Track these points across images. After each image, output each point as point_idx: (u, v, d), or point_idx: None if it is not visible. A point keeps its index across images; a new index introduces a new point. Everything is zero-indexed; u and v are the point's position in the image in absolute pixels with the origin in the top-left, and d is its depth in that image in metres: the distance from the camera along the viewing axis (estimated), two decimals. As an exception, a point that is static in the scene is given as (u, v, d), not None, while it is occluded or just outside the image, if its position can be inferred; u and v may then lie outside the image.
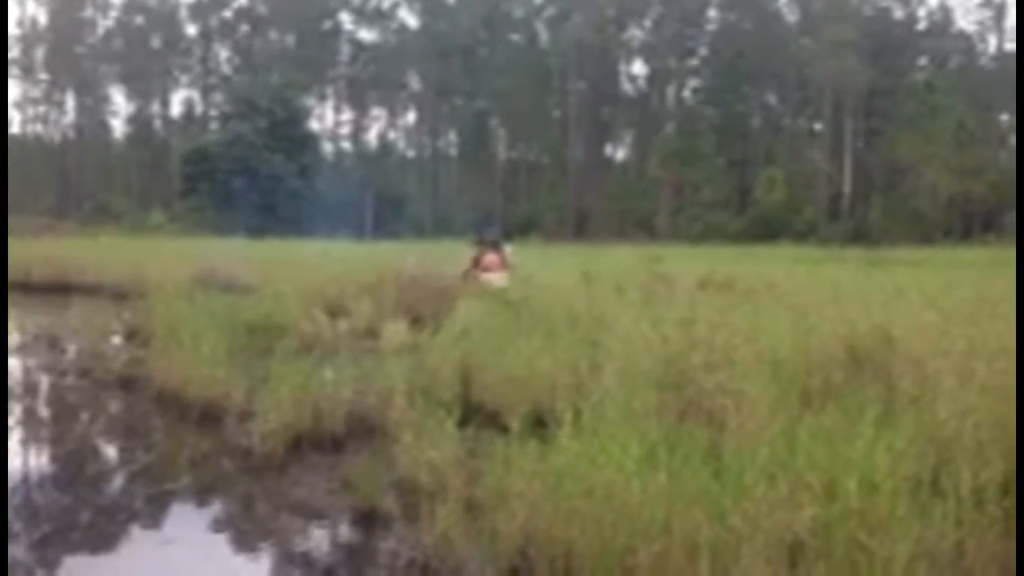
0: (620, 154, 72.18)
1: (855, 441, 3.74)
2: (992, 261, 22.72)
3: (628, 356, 6.72)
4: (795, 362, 6.38)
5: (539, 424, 5.03)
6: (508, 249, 15.16)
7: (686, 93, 68.63)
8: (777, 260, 23.44)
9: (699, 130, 59.23)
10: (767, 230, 48.29)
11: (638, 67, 70.44)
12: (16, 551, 4.70)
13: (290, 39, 69.04)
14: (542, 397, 6.30)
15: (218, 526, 5.21)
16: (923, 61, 63.21)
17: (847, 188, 57.18)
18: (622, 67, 69.63)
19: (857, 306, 8.50)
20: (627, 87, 70.48)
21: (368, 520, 4.98)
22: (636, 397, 5.28)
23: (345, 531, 5.01)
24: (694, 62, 68.30)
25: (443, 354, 7.72)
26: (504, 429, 4.91)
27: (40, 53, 65.30)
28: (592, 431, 4.27)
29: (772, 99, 67.12)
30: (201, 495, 5.74)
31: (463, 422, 5.62)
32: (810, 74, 58.60)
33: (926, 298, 8.73)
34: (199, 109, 66.87)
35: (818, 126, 63.56)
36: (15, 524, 5.09)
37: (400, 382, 6.62)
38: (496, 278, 13.77)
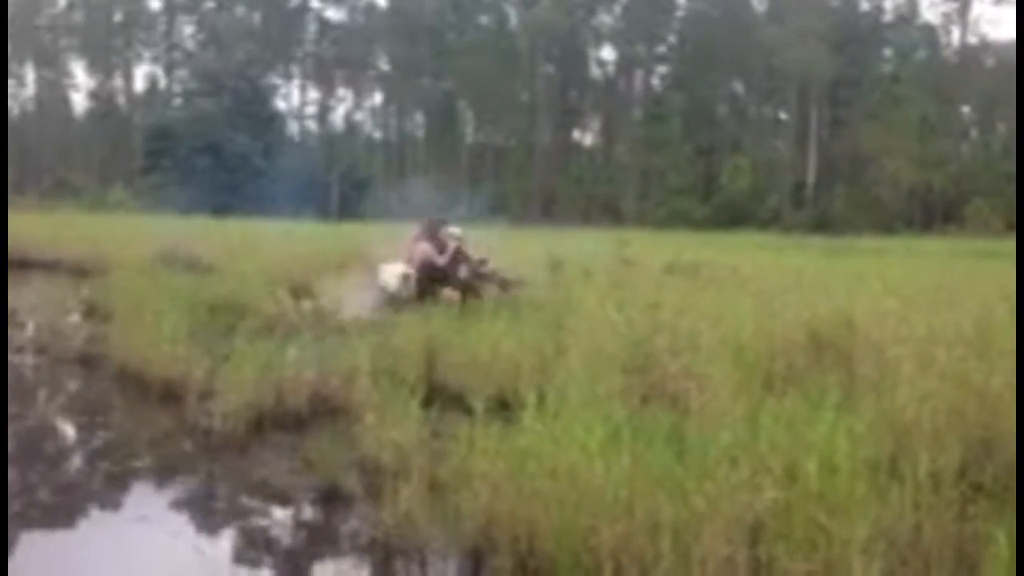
0: (587, 139, 72.26)
1: (816, 425, 3.79)
2: (952, 251, 23.10)
3: (593, 339, 6.75)
4: (758, 347, 6.44)
5: (503, 406, 5.04)
6: (453, 230, 11.28)
7: (654, 80, 68.72)
8: (741, 247, 23.62)
9: (666, 116, 59.39)
10: (732, 217, 48.66)
11: (607, 52, 70.43)
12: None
13: (256, 16, 68.10)
14: (506, 379, 6.30)
15: (179, 505, 5.15)
16: (888, 52, 63.74)
17: (811, 177, 57.68)
18: (591, 52, 69.50)
19: (819, 293, 8.61)
20: (595, 72, 70.42)
21: (330, 500, 4.96)
22: (601, 380, 5.30)
23: (307, 510, 4.98)
24: (662, 49, 68.37)
25: (408, 335, 7.69)
26: (468, 410, 4.90)
27: (-2, 25, 64.01)
28: (556, 413, 4.28)
29: (739, 87, 67.38)
30: (162, 474, 5.68)
31: (427, 403, 5.61)
32: (777, 63, 58.90)
33: (887, 286, 8.84)
34: (162, 85, 65.77)
35: (784, 115, 63.96)
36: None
37: (364, 362, 6.59)
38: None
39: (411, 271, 10.86)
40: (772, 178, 57.96)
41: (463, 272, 10.81)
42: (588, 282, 11.08)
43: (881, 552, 3.19)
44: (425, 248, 10.76)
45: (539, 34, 63.13)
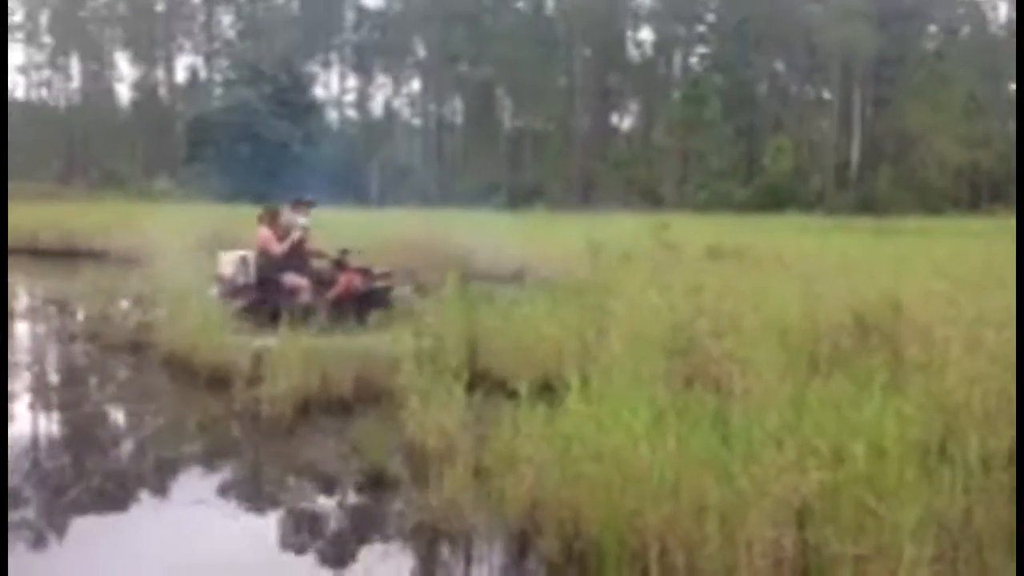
0: (626, 122, 71.79)
1: (863, 407, 3.74)
2: (999, 230, 22.63)
3: (635, 323, 6.73)
4: (802, 330, 6.38)
5: (546, 389, 5.04)
6: (301, 219, 9.98)
7: (693, 60, 68.07)
8: (784, 229, 23.36)
9: (705, 98, 58.76)
10: (774, 199, 48.01)
11: (645, 34, 69.88)
12: (28, 513, 4.75)
13: (295, 4, 68.53)
14: (549, 363, 6.31)
15: (231, 488, 5.25)
16: (933, 29, 62.53)
17: (855, 157, 56.82)
18: (629, 34, 69.02)
19: (865, 275, 8.49)
20: (633, 54, 69.88)
21: (377, 483, 5.01)
22: (643, 363, 5.28)
23: (354, 494, 5.04)
24: (701, 29, 67.66)
25: (450, 320, 7.73)
26: (511, 395, 4.93)
27: (44, 18, 64.90)
28: (600, 396, 4.28)
29: (780, 66, 66.50)
30: (211, 458, 5.79)
31: (470, 387, 5.64)
32: (819, 41, 58.01)
33: (934, 267, 8.71)
34: (203, 75, 66.46)
35: (826, 94, 63.01)
36: (27, 487, 5.14)
37: (406, 348, 6.65)
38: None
39: (250, 256, 10.15)
40: (815, 159, 57.16)
41: (314, 263, 10.11)
42: (628, 266, 11.02)
43: (931, 536, 3.16)
44: (263, 234, 9.97)
45: (576, 17, 62.76)
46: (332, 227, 19.88)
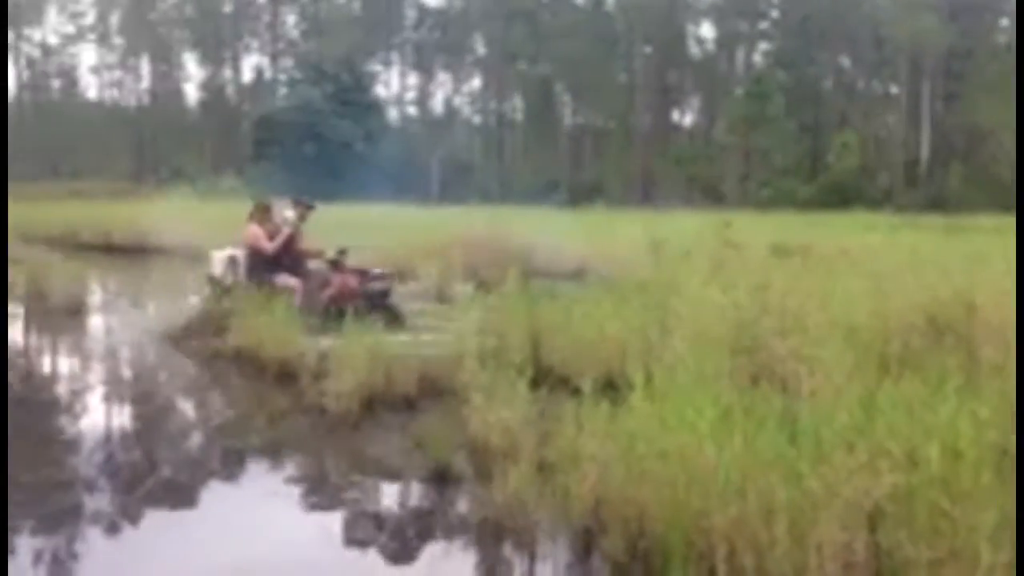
0: (687, 119, 71.16)
1: (937, 409, 3.65)
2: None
3: (698, 321, 6.67)
4: (871, 329, 6.26)
5: (610, 387, 5.02)
6: (288, 214, 9.84)
7: (756, 56, 67.18)
8: (850, 227, 22.93)
9: (769, 94, 57.90)
10: (839, 197, 47.09)
11: (706, 30, 69.19)
12: (102, 503, 4.89)
13: (356, 4, 69.29)
14: (611, 360, 6.29)
15: (298, 481, 5.34)
16: (1005, 22, 60.76)
17: (924, 153, 55.49)
18: (690, 30, 68.38)
19: (936, 273, 8.27)
20: (695, 51, 69.22)
21: (441, 479, 5.05)
22: (708, 362, 5.23)
23: (419, 489, 5.09)
24: (764, 24, 66.73)
25: (512, 317, 7.74)
26: (574, 392, 4.93)
27: (115, 19, 66.61)
28: (664, 394, 4.25)
29: (846, 61, 65.29)
30: (278, 451, 5.89)
31: (533, 384, 5.65)
32: (886, 35, 56.78)
33: (1009, 265, 8.45)
34: (269, 74, 67.61)
35: (894, 89, 61.63)
36: (103, 478, 5.30)
37: (469, 344, 6.68)
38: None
39: (239, 254, 9.87)
40: (882, 156, 55.96)
41: (310, 264, 9.84)
42: (691, 264, 10.92)
43: (1008, 540, 3.07)
44: (252, 231, 9.67)
45: (636, 14, 62.38)
46: (392, 224, 20.11)
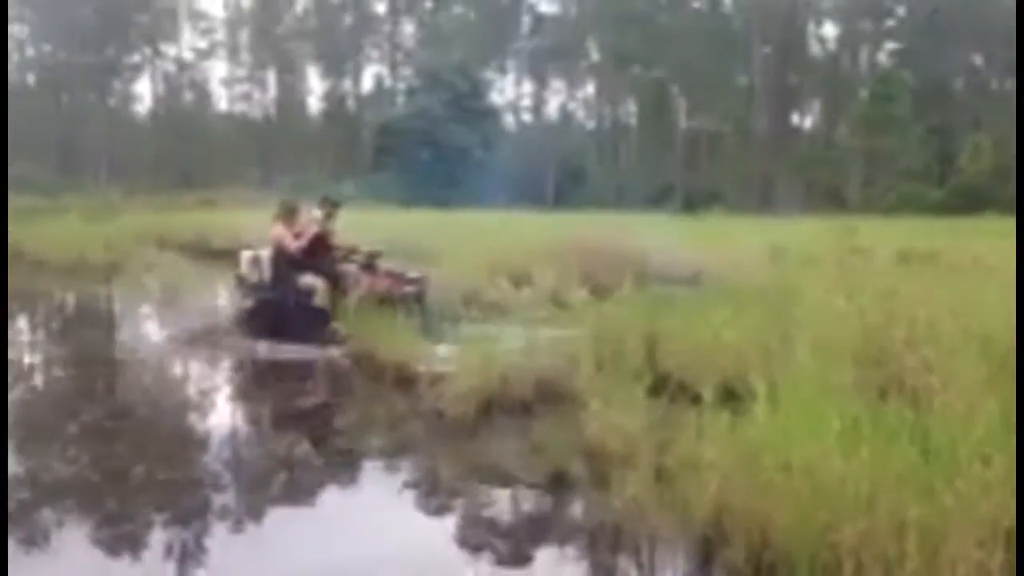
0: (808, 122, 69.25)
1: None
2: None
3: (822, 329, 6.49)
4: (1007, 340, 5.96)
5: (730, 396, 4.95)
6: (315, 212, 10.02)
7: (881, 55, 64.87)
8: (983, 233, 21.85)
9: (894, 95, 55.74)
10: (971, 201, 44.93)
11: (828, 29, 67.20)
12: (226, 499, 5.11)
13: (472, 13, 70.17)
14: (731, 368, 6.18)
15: (411, 484, 5.44)
16: None
17: (1064, 155, 52.47)
18: (811, 30, 66.57)
19: (1081, 281, 7.80)
20: (816, 51, 67.33)
21: (557, 484, 5.07)
22: (832, 371, 5.09)
23: (537, 493, 5.12)
24: (890, 23, 64.37)
25: (628, 323, 7.70)
26: (693, 399, 4.88)
27: (244, 35, 69.39)
28: (787, 404, 4.17)
29: (977, 59, 62.37)
30: (396, 454, 6.02)
31: (651, 390, 5.61)
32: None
33: None
34: (387, 84, 69.18)
35: (1031, 88, 58.60)
36: (225, 475, 5.53)
37: (585, 349, 6.68)
38: None
39: (264, 254, 9.86)
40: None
41: (337, 262, 9.72)
42: (812, 270, 10.65)
43: None
44: (277, 232, 9.66)
45: (755, 14, 61.14)
46: (507, 230, 20.27)
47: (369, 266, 9.71)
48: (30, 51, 65.76)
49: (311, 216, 9.88)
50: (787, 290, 8.73)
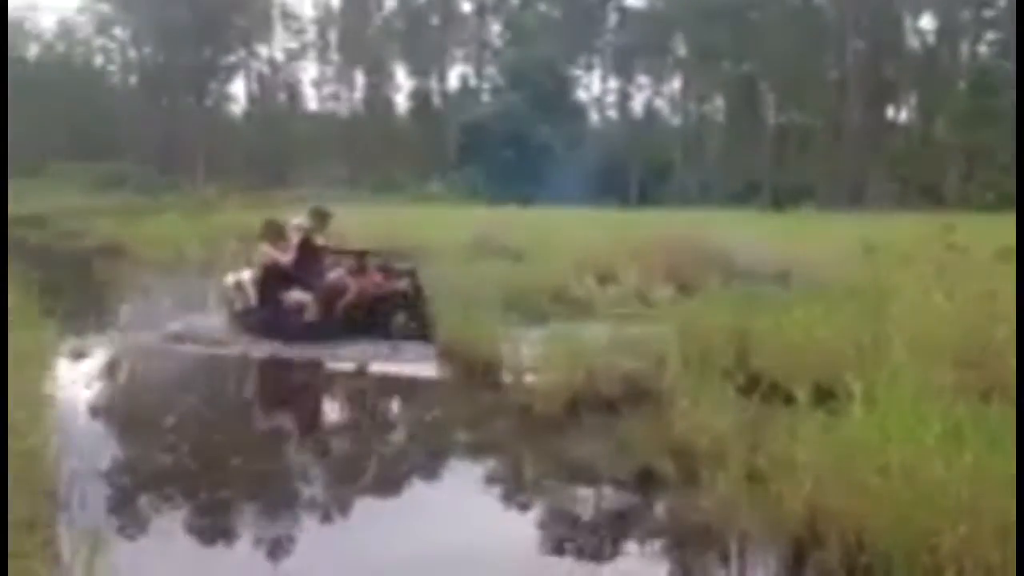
0: (903, 116, 67.08)
1: None
2: None
3: (918, 329, 6.30)
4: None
5: (824, 396, 4.85)
6: (297, 221, 9.88)
7: (981, 47, 62.43)
8: (1092, 230, 20.86)
9: (995, 87, 53.55)
10: (1078, 197, 42.99)
11: (926, 21, 64.95)
12: (314, 491, 5.23)
13: (558, 10, 70.03)
14: (823, 368, 6.04)
15: (496, 480, 5.49)
16: None
17: None
18: (907, 22, 64.46)
19: None
20: (913, 43, 65.19)
21: (645, 482, 5.04)
22: (931, 372, 4.94)
23: (625, 491, 5.10)
24: (990, 13, 61.91)
25: (716, 321, 7.60)
26: (785, 399, 4.79)
27: (333, 35, 70.67)
28: (884, 405, 4.06)
29: (1088, 49, 59.59)
30: (481, 450, 6.08)
31: (740, 389, 5.53)
32: None
33: None
34: (473, 82, 69.62)
35: None
36: (315, 467, 5.66)
37: (673, 347, 6.62)
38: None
39: (245, 277, 9.64)
40: None
41: (330, 271, 9.51)
42: (908, 268, 10.33)
43: None
44: (264, 250, 9.47)
45: (849, 6, 59.53)
46: (592, 227, 20.21)
47: (360, 268, 9.67)
48: (132, 53, 68.18)
49: (294, 226, 9.71)
50: (881, 288, 8.50)
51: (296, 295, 9.28)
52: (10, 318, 6.12)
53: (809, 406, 4.30)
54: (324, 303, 9.27)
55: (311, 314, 9.21)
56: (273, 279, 9.39)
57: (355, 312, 9.27)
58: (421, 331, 9.20)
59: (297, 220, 9.78)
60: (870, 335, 6.42)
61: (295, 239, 9.53)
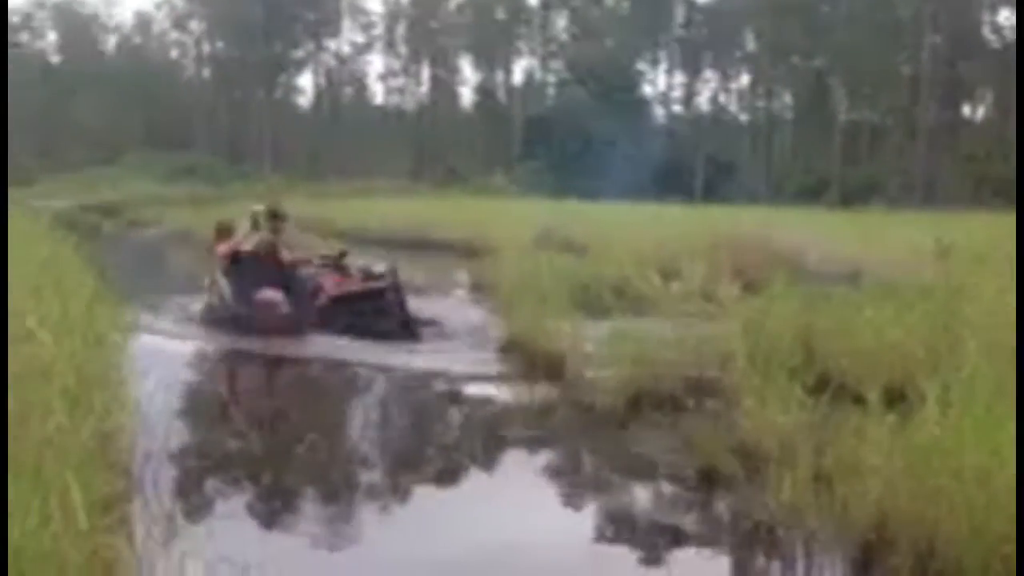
0: (979, 113, 65.21)
1: None
2: None
3: (994, 331, 6.12)
4: None
5: (894, 397, 4.75)
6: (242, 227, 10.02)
7: (1064, 42, 60.40)
8: None
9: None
10: None
11: (1004, 16, 63.01)
12: (373, 477, 5.31)
13: (625, 4, 69.58)
14: (894, 370, 5.92)
15: (555, 474, 5.49)
16: None
17: None
18: (985, 17, 62.60)
19: None
20: (991, 39, 63.28)
21: (710, 480, 4.99)
22: (1008, 376, 4.79)
23: (688, 489, 5.06)
24: (1076, 5, 59.86)
25: (782, 320, 7.48)
26: (854, 400, 4.71)
27: (400, 29, 71.20)
28: (958, 409, 3.95)
29: None
30: (542, 443, 6.09)
31: (807, 389, 5.43)
32: None
33: None
34: (538, 76, 69.54)
35: None
36: (381, 458, 5.72)
37: (738, 346, 6.53)
38: None
39: (218, 277, 9.67)
40: None
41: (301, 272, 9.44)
42: (982, 269, 10.05)
43: None
44: (221, 249, 9.59)
45: (926, 1, 58.02)
46: (657, 222, 20.06)
47: (339, 267, 9.67)
48: (205, 47, 69.62)
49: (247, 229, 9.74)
50: (955, 289, 8.28)
51: (267, 293, 9.30)
52: (89, 302, 6.30)
53: (880, 408, 4.20)
54: (297, 303, 9.33)
55: (283, 310, 9.24)
56: (243, 278, 9.44)
57: (334, 310, 9.28)
58: (407, 331, 9.23)
59: (243, 227, 9.84)
60: (944, 337, 6.26)
61: (253, 237, 9.61)
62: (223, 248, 9.70)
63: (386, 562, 4.13)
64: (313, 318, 9.23)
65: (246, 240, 9.61)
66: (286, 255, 9.69)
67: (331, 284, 9.48)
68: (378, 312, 9.17)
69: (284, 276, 9.46)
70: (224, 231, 9.95)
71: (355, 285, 9.44)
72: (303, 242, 11.03)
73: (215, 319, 9.61)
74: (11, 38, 66.73)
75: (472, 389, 7.67)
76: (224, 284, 9.59)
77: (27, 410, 3.49)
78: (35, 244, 10.42)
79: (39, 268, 7.52)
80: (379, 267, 9.77)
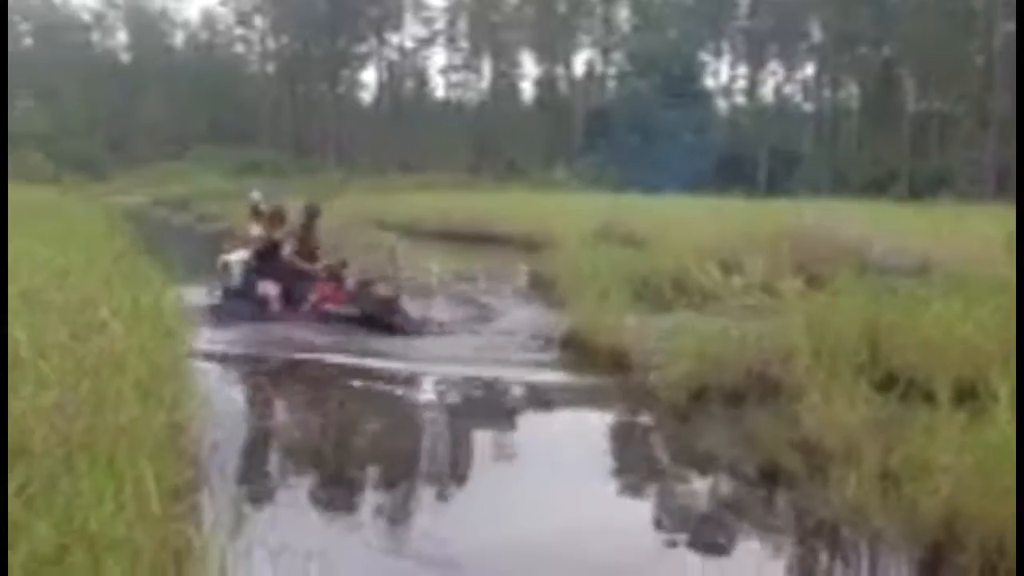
0: (1056, 102, 63.17)
1: None
2: None
3: (1072, 328, 5.94)
4: None
5: (964, 395, 4.65)
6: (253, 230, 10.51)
7: None
8: None
9: None
10: None
11: (1084, 1, 60.86)
12: (438, 467, 5.40)
13: (689, -6, 68.94)
14: (965, 367, 5.77)
15: (614, 467, 5.49)
16: None
17: None
18: (1064, 2, 60.59)
19: None
20: (1070, 24, 61.25)
21: (772, 476, 4.95)
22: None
23: (750, 485, 5.02)
24: None
25: (847, 315, 7.34)
26: (923, 397, 4.62)
27: (462, 24, 71.46)
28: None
29: None
30: (604, 436, 6.09)
31: (875, 386, 5.35)
32: None
33: None
34: (599, 69, 69.18)
35: None
36: (434, 446, 5.76)
37: (801, 341, 6.44)
38: None
39: (233, 259, 9.83)
40: None
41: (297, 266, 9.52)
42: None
43: None
44: (253, 228, 9.84)
45: (1000, -12, 56.29)
46: (719, 215, 19.82)
47: (335, 276, 9.70)
48: (270, 43, 70.75)
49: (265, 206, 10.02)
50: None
51: (266, 286, 9.55)
52: (158, 295, 6.46)
53: (949, 405, 4.12)
54: (294, 299, 9.51)
55: (274, 306, 9.47)
56: (257, 265, 9.72)
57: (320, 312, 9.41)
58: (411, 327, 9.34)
59: (255, 231, 10.11)
60: (1015, 332, 6.08)
61: (253, 234, 9.93)
62: (257, 231, 9.97)
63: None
64: (303, 317, 9.41)
65: (280, 232, 9.82)
66: (297, 260, 9.80)
67: (317, 296, 9.60)
68: (368, 321, 9.25)
69: (289, 274, 9.68)
70: (255, 207, 10.45)
71: (337, 302, 9.51)
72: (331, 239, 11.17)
73: (226, 306, 9.78)
74: (83, 38, 68.88)
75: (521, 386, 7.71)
76: (236, 271, 9.86)
77: (101, 400, 3.60)
78: (108, 238, 10.72)
79: (112, 261, 7.74)
80: (381, 290, 9.59)
